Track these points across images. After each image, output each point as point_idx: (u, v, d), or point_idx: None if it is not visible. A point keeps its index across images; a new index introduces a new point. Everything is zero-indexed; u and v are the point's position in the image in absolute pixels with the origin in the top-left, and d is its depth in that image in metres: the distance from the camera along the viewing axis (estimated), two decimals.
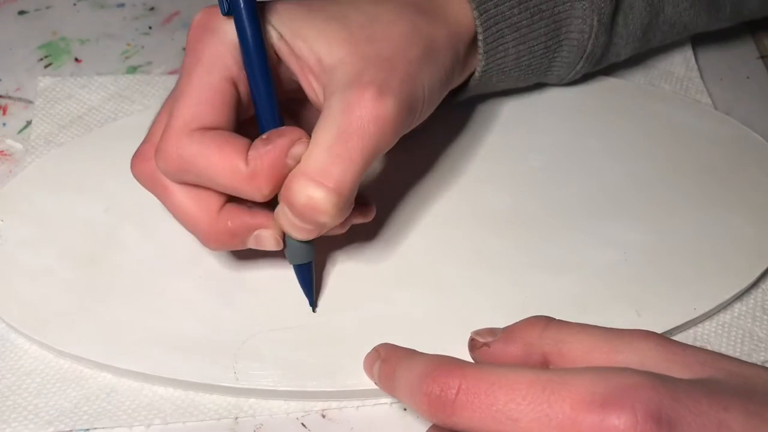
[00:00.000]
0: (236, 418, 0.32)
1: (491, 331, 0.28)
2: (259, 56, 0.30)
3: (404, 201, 0.38)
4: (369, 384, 0.29)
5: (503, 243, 0.37)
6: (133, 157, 0.32)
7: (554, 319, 0.27)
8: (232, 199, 0.31)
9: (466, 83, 0.39)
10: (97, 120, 0.42)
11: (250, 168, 0.29)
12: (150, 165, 0.31)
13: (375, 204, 0.35)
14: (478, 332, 0.28)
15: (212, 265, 0.35)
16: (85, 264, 0.35)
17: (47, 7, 0.48)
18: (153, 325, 0.33)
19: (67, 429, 0.31)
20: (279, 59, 0.32)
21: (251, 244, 0.32)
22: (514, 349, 0.27)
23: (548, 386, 0.22)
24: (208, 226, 0.31)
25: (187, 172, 0.30)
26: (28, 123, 0.42)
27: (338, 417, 0.32)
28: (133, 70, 0.44)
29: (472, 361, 0.29)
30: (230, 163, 0.29)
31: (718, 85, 0.45)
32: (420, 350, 0.28)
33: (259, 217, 0.31)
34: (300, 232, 0.31)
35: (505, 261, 0.36)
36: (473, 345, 0.28)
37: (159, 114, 0.32)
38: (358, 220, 0.34)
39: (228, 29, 0.30)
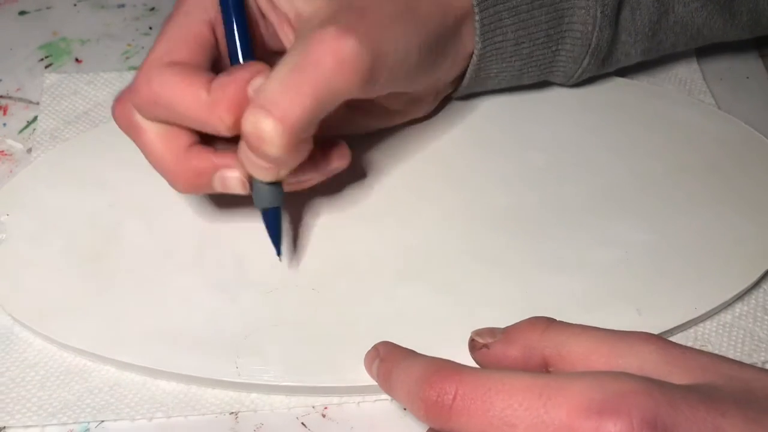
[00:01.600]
0: (237, 413, 0.32)
1: (491, 332, 0.28)
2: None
3: (405, 198, 0.38)
4: (370, 380, 0.29)
5: (505, 240, 0.37)
6: (114, 100, 0.33)
7: (555, 320, 0.27)
8: (204, 143, 0.32)
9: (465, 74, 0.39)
10: (102, 116, 0.42)
11: (211, 97, 0.29)
12: (127, 107, 0.32)
13: (347, 146, 0.34)
14: (478, 332, 0.28)
15: (216, 260, 0.36)
16: (89, 258, 0.35)
17: (48, 8, 0.48)
18: (156, 319, 0.33)
19: (71, 422, 0.32)
20: (261, 15, 0.33)
21: (217, 187, 0.32)
22: (514, 351, 0.27)
23: (545, 392, 0.22)
24: (174, 164, 0.31)
25: (155, 105, 0.30)
26: (29, 123, 0.42)
27: (339, 416, 0.32)
28: (133, 70, 0.44)
29: (473, 361, 0.29)
30: (193, 92, 0.29)
31: (718, 84, 0.45)
32: (421, 347, 0.28)
33: (225, 157, 0.31)
34: (256, 168, 0.30)
35: (507, 259, 0.36)
36: (473, 346, 0.28)
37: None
38: (334, 164, 0.34)
39: None
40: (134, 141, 0.32)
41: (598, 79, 0.44)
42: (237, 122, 0.30)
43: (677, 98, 0.44)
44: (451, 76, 0.38)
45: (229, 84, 0.29)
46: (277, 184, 0.32)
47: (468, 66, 0.38)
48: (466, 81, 0.39)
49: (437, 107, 0.41)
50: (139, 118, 0.31)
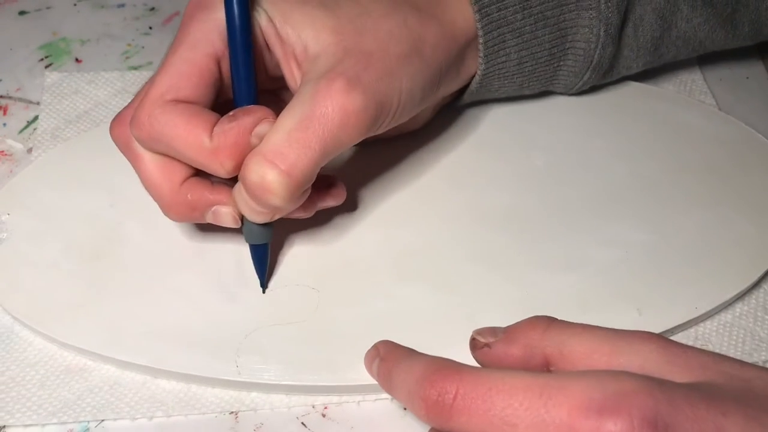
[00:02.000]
0: (237, 412, 0.32)
1: (492, 331, 0.28)
2: (242, 34, 0.30)
3: (406, 197, 0.38)
4: (370, 379, 0.29)
5: (505, 240, 0.37)
6: (113, 120, 0.33)
7: (556, 319, 0.27)
8: (200, 174, 0.32)
9: (468, 87, 0.39)
10: (103, 115, 0.42)
11: (213, 142, 0.30)
12: (126, 130, 0.32)
13: (344, 186, 0.35)
14: (479, 332, 0.28)
15: (216, 259, 0.36)
16: (89, 258, 0.35)
17: (48, 8, 0.48)
18: (156, 318, 0.33)
19: (71, 421, 0.32)
20: (267, 45, 0.32)
21: (209, 219, 0.32)
22: (516, 351, 0.27)
23: (545, 391, 0.22)
24: (169, 195, 0.32)
25: (156, 141, 0.30)
26: (29, 123, 0.42)
27: (339, 415, 0.32)
28: (133, 70, 0.44)
29: (473, 360, 0.29)
30: (195, 136, 0.30)
31: (718, 85, 0.46)
32: (421, 346, 0.28)
33: (220, 193, 0.32)
34: (253, 213, 0.31)
35: (507, 259, 0.36)
36: (474, 345, 0.28)
37: (144, 84, 0.33)
38: (328, 204, 0.34)
39: (221, 7, 0.31)
40: (132, 165, 0.32)
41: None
42: (237, 167, 0.30)
43: (677, 99, 0.44)
44: (451, 91, 0.38)
45: (231, 130, 0.30)
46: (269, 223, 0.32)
47: (469, 83, 0.38)
48: (467, 95, 0.39)
49: (438, 111, 0.41)
50: (137, 145, 0.32)
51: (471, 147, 0.40)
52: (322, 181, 0.34)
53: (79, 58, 0.45)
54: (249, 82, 0.31)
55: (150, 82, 0.31)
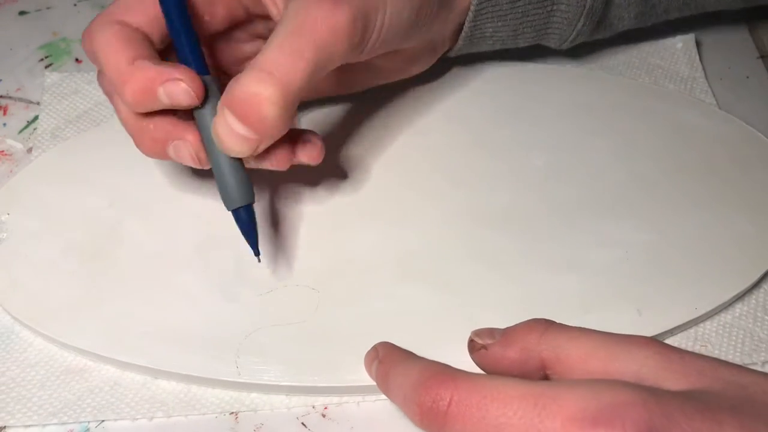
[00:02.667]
0: (237, 412, 0.32)
1: (490, 333, 0.28)
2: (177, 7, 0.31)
3: (406, 198, 0.38)
4: (370, 380, 0.29)
5: (505, 240, 0.37)
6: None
7: (554, 322, 0.27)
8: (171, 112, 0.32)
9: (460, 36, 0.39)
10: (103, 115, 0.42)
11: (128, 68, 0.30)
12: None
13: (322, 143, 0.34)
14: (477, 333, 0.28)
15: (216, 259, 0.36)
16: (89, 257, 0.35)
17: (48, 8, 0.48)
18: (157, 319, 0.33)
19: (71, 421, 0.32)
20: None
21: (171, 154, 0.32)
22: (512, 353, 0.27)
23: (540, 401, 0.22)
24: (135, 126, 0.32)
25: (92, 55, 0.31)
26: (29, 123, 0.42)
27: (339, 416, 0.32)
28: None
29: (473, 361, 0.29)
30: (116, 56, 0.30)
31: (718, 84, 0.45)
32: (421, 347, 0.28)
33: (180, 128, 0.32)
34: (237, 140, 0.30)
35: (507, 259, 0.36)
36: (472, 346, 0.28)
37: None
38: (304, 158, 0.33)
39: None
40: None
41: (600, 79, 0.44)
42: (136, 105, 0.30)
43: (677, 98, 0.44)
44: (446, 32, 0.39)
45: (148, 69, 0.30)
46: (244, 175, 0.31)
47: (463, 23, 0.39)
48: (461, 40, 0.39)
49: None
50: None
51: (471, 147, 0.40)
52: (300, 135, 0.33)
53: (79, 58, 0.45)
54: (189, 35, 0.32)
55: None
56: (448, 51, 0.41)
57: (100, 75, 0.33)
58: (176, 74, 0.30)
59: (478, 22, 0.38)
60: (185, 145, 0.31)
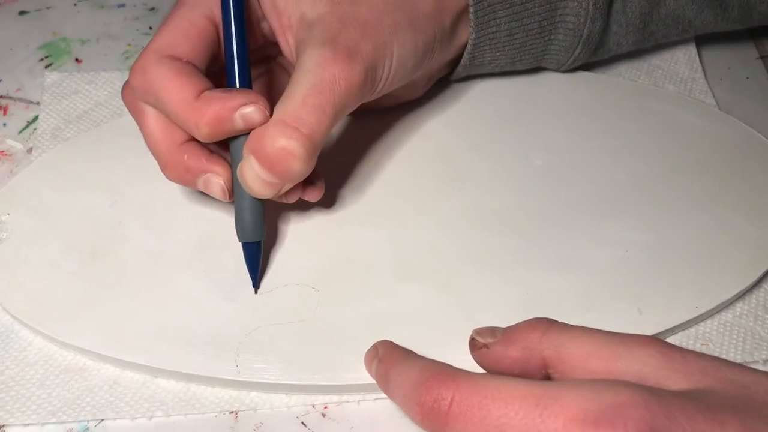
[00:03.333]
0: (237, 412, 0.32)
1: (492, 332, 0.28)
2: (237, 19, 0.32)
3: (406, 198, 0.38)
4: (370, 379, 0.29)
5: (505, 240, 0.37)
6: (124, 83, 0.34)
7: (556, 322, 0.27)
8: (201, 142, 0.33)
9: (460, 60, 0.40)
10: (103, 115, 0.42)
11: (197, 102, 0.31)
12: (132, 90, 0.33)
13: (323, 183, 0.36)
14: (478, 332, 0.28)
15: (216, 259, 0.36)
16: (89, 257, 0.35)
17: (48, 8, 0.48)
18: (156, 318, 0.33)
19: (70, 420, 0.32)
20: (263, 15, 0.34)
21: (200, 186, 0.33)
22: (514, 353, 0.27)
23: (541, 401, 0.22)
24: (167, 153, 0.33)
25: (148, 93, 0.32)
26: (29, 123, 0.42)
27: (339, 415, 0.32)
28: None
29: (473, 360, 0.29)
30: (182, 92, 0.31)
31: (718, 85, 0.46)
32: (421, 346, 0.29)
33: (215, 162, 0.33)
34: (263, 185, 0.31)
35: (508, 258, 0.36)
36: (473, 345, 0.28)
37: None
38: (307, 197, 0.35)
39: None
40: (137, 122, 0.34)
41: (600, 80, 0.44)
42: (212, 135, 0.31)
43: (677, 99, 0.44)
44: (444, 62, 0.40)
45: (220, 99, 0.31)
46: (261, 214, 0.33)
47: (462, 53, 0.40)
48: (460, 67, 0.40)
49: (434, 91, 0.42)
50: (142, 103, 0.33)
51: (471, 147, 0.40)
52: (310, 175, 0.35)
53: (79, 58, 0.45)
54: (242, 61, 0.32)
55: (152, 39, 0.33)
56: (448, 74, 0.42)
57: (127, 90, 0.34)
58: (248, 99, 0.31)
59: (476, 54, 0.40)
60: (217, 179, 0.33)
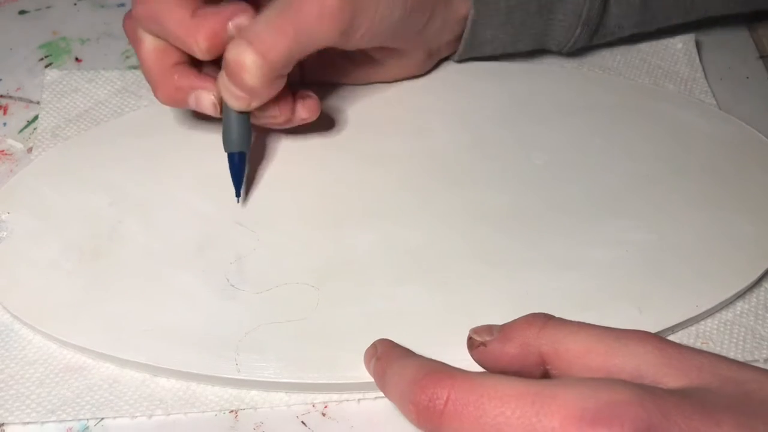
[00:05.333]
0: (237, 411, 0.32)
1: (489, 329, 0.28)
2: None
3: (405, 197, 0.38)
4: (370, 377, 0.29)
5: (505, 240, 0.37)
6: (125, 14, 0.36)
7: (552, 317, 0.27)
8: (192, 64, 0.35)
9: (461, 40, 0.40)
10: (103, 114, 0.42)
11: (194, 20, 0.33)
12: (133, 20, 0.35)
13: (318, 100, 0.37)
14: (475, 330, 0.28)
15: (216, 258, 0.35)
16: (89, 256, 0.35)
17: (47, 7, 0.48)
18: (156, 316, 0.33)
19: (70, 419, 0.31)
20: None
21: (192, 104, 0.35)
22: (511, 349, 0.27)
23: (537, 400, 0.22)
24: (159, 75, 0.35)
25: (149, 19, 0.34)
26: (29, 122, 0.42)
27: (339, 414, 0.32)
28: (133, 69, 0.44)
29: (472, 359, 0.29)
30: (180, 12, 0.33)
31: (718, 84, 0.46)
32: (421, 345, 0.28)
33: (205, 80, 0.35)
34: (232, 97, 0.34)
35: (507, 258, 0.36)
36: (471, 344, 0.28)
37: None
38: (303, 114, 0.36)
39: None
40: (135, 50, 0.36)
41: (600, 80, 0.44)
42: (211, 49, 0.33)
43: (677, 98, 0.44)
44: (443, 39, 0.40)
45: (213, 14, 0.33)
46: (245, 127, 0.35)
47: (462, 31, 0.40)
48: (462, 45, 0.41)
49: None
50: (140, 31, 0.35)
51: (471, 146, 0.40)
52: (300, 93, 0.36)
53: (79, 58, 0.45)
54: None
55: None
56: (451, 56, 0.42)
57: (129, 20, 0.36)
58: (238, 8, 0.33)
59: (476, 30, 0.40)
60: (207, 95, 0.35)
